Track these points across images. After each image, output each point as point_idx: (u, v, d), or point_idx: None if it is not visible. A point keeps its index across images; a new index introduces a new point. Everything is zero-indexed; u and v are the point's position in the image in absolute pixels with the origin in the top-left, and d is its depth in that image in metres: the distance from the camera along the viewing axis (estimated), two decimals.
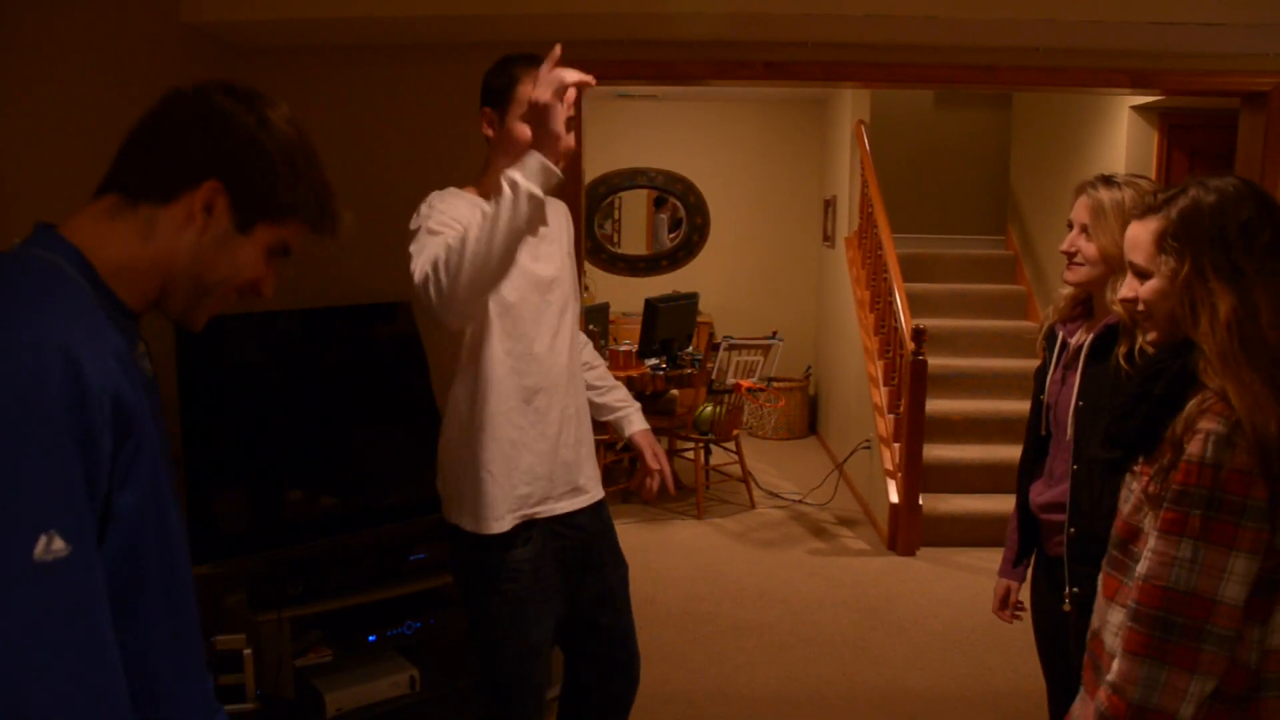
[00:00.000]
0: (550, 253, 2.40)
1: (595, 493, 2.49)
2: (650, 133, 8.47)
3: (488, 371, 2.27)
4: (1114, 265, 2.13)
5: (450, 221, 2.15)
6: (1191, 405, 1.51)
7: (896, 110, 7.97)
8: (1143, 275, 1.63)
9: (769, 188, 8.56)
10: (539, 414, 2.33)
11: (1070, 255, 2.23)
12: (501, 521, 2.28)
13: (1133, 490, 1.65)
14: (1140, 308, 1.65)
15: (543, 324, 2.33)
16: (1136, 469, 1.64)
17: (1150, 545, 1.54)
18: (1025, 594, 2.51)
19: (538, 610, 2.35)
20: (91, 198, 1.23)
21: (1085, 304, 2.31)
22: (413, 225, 2.20)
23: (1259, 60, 3.73)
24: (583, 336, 2.63)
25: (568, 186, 3.69)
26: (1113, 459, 1.71)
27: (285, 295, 3.45)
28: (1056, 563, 2.29)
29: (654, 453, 2.63)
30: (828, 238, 8.00)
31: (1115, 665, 1.56)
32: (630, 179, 8.52)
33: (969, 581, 4.97)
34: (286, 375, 3.20)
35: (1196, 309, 1.54)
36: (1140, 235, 1.63)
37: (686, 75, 3.75)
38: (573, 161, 3.73)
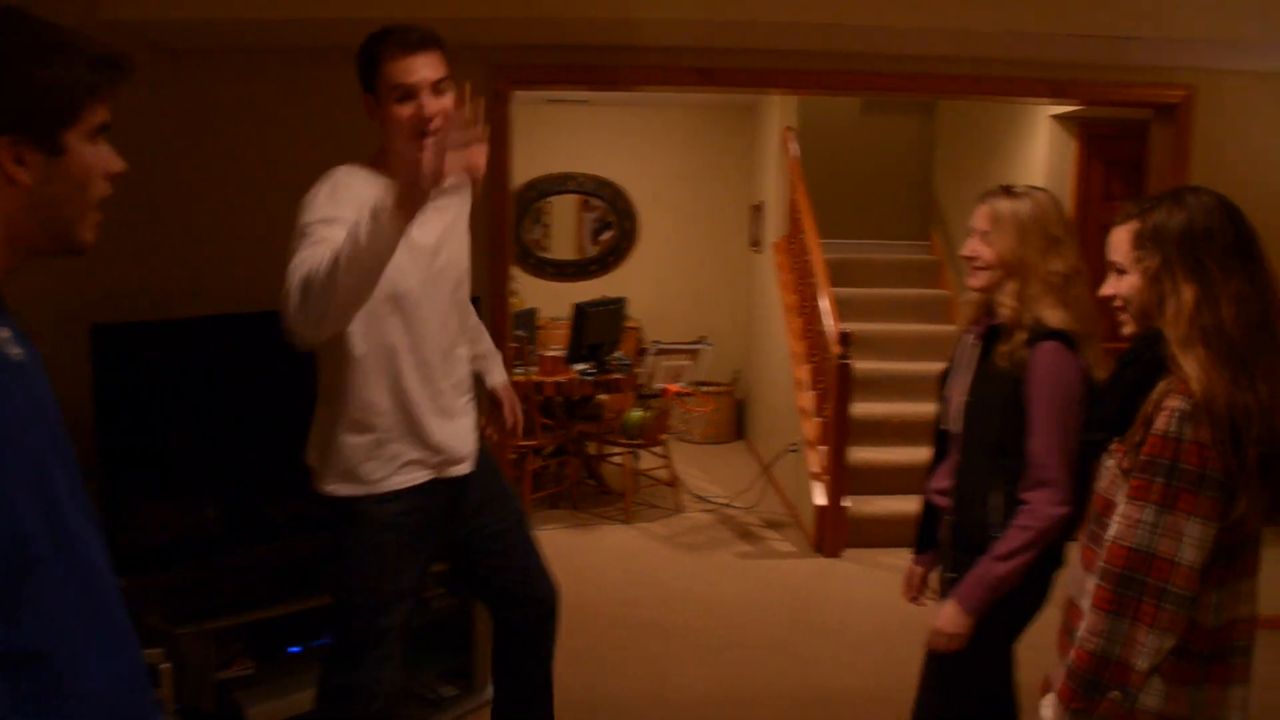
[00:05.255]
0: (432, 220, 2.38)
1: (474, 453, 2.56)
2: (580, 138, 8.45)
3: (381, 344, 2.32)
4: (1010, 271, 2.25)
5: (338, 221, 2.14)
6: (1161, 386, 1.70)
7: (824, 117, 8.05)
8: (1121, 273, 1.83)
9: (698, 193, 8.60)
10: (429, 385, 2.40)
11: (971, 260, 2.33)
12: (388, 482, 2.37)
13: (1108, 468, 1.82)
14: (1119, 303, 1.84)
15: (436, 298, 2.40)
16: (1112, 448, 1.82)
17: (1119, 510, 1.72)
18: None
19: (407, 559, 2.45)
20: None
21: (989, 307, 2.38)
22: (302, 219, 2.21)
23: (1169, 74, 3.85)
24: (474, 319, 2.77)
25: (496, 190, 3.69)
26: (1094, 440, 1.90)
27: (201, 301, 3.39)
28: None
29: (511, 406, 2.84)
30: (756, 243, 8.06)
31: (1084, 622, 1.72)
32: (560, 184, 8.51)
33: (894, 582, 4.99)
34: (205, 384, 3.13)
35: (1164, 300, 1.74)
36: (1120, 237, 1.83)
37: (618, 81, 3.75)
38: (501, 167, 3.71)
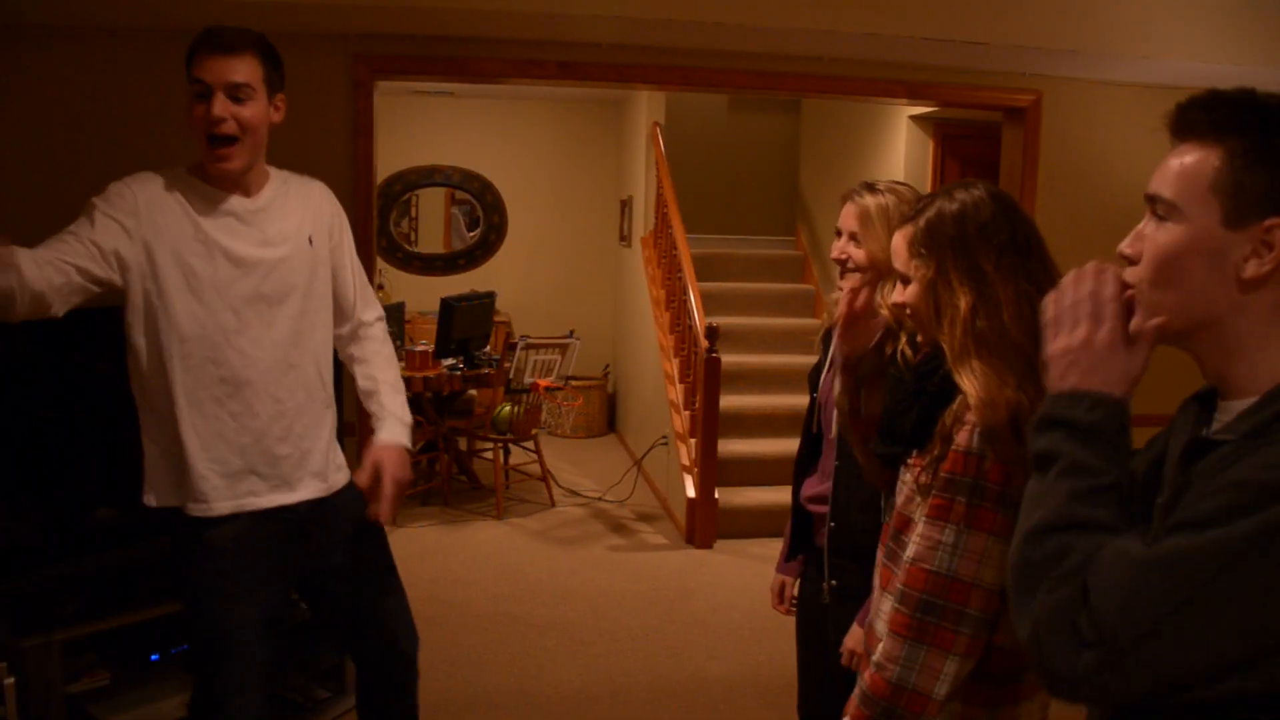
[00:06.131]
0: (272, 238, 2.30)
1: (317, 487, 2.40)
2: (447, 130, 8.35)
3: (182, 360, 2.21)
4: (881, 270, 2.15)
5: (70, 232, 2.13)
6: (960, 400, 1.57)
7: (691, 113, 8.15)
8: (905, 281, 1.70)
9: (566, 187, 8.59)
10: (243, 406, 2.26)
11: (842, 263, 2.24)
12: (202, 506, 2.24)
13: (905, 483, 1.70)
14: (908, 312, 1.71)
15: (249, 316, 2.26)
16: (910, 462, 1.69)
17: (918, 530, 1.60)
18: None
19: (236, 588, 2.28)
20: None
21: None
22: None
23: (1018, 79, 4.03)
24: (374, 330, 2.60)
25: (359, 182, 3.61)
26: (889, 454, 1.76)
27: None
28: (820, 554, 2.33)
29: (389, 477, 2.39)
30: (624, 237, 8.10)
31: (880, 646, 1.62)
32: (427, 176, 8.39)
33: (764, 571, 5.11)
34: (52, 377, 2.99)
35: (941, 310, 1.61)
36: (899, 244, 1.71)
37: (481, 73, 3.72)
38: (364, 157, 3.64)
